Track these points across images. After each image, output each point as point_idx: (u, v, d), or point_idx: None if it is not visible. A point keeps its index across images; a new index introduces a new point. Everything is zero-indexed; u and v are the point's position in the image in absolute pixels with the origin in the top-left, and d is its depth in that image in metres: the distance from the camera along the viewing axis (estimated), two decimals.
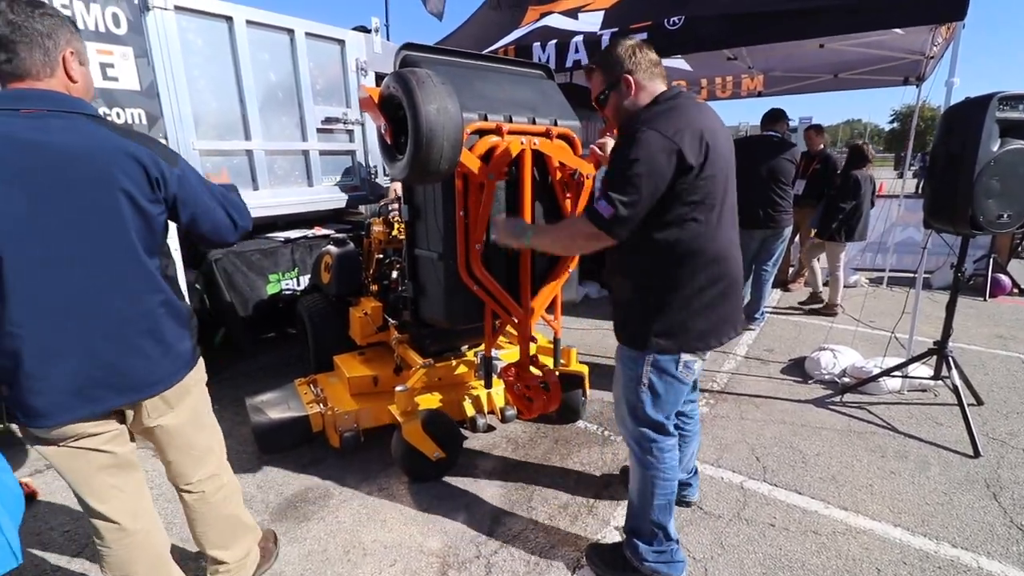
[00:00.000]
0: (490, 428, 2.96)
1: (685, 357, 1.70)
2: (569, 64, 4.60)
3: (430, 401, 2.72)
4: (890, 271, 6.01)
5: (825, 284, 5.19)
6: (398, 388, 2.44)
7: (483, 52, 4.16)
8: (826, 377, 3.56)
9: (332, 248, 3.43)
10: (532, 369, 2.56)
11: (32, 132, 1.21)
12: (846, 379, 3.48)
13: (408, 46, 2.17)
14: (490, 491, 2.45)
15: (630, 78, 1.62)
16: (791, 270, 6.13)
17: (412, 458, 2.43)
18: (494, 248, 2.32)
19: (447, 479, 2.54)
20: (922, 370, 3.27)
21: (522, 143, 2.18)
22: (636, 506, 1.88)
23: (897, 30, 4.06)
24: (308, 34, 3.88)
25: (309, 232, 4.16)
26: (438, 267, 2.28)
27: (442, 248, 2.23)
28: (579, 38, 4.48)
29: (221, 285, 3.58)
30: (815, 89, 6.37)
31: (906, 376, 3.25)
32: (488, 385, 2.54)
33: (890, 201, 6.75)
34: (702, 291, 1.63)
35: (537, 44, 4.77)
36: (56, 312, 1.27)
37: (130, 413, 1.47)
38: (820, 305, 5.16)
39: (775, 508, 2.31)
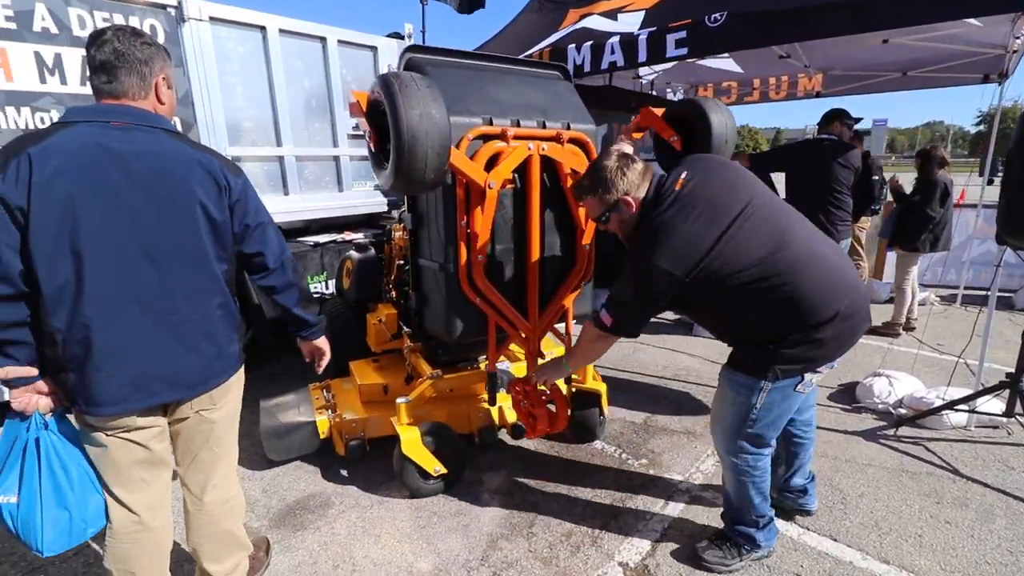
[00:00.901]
0: (499, 443, 2.85)
1: (807, 377, 1.69)
2: (604, 66, 4.45)
3: (436, 413, 2.66)
4: (965, 288, 5.42)
5: (889, 300, 4.74)
6: (399, 399, 2.38)
7: (517, 56, 4.08)
8: (879, 407, 3.21)
9: (353, 253, 3.44)
10: (540, 386, 2.44)
11: (120, 143, 1.35)
12: (902, 410, 3.12)
13: (413, 48, 2.12)
14: (491, 512, 2.34)
15: (628, 198, 1.71)
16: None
17: (411, 472, 2.36)
18: (500, 259, 2.22)
19: (449, 496, 2.45)
20: (993, 404, 2.88)
21: (529, 148, 2.08)
22: (735, 504, 1.96)
23: (973, 21, 3.64)
24: (341, 41, 3.93)
25: (338, 236, 4.21)
26: (439, 278, 2.20)
27: (443, 258, 2.15)
28: (615, 39, 4.32)
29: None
30: (881, 89, 5.86)
31: (973, 411, 2.87)
32: (492, 402, 2.44)
33: (967, 210, 6.10)
34: (821, 326, 1.60)
35: (572, 46, 4.65)
36: (129, 310, 1.37)
37: (176, 407, 1.54)
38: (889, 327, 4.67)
39: (803, 555, 2.07)
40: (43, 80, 2.76)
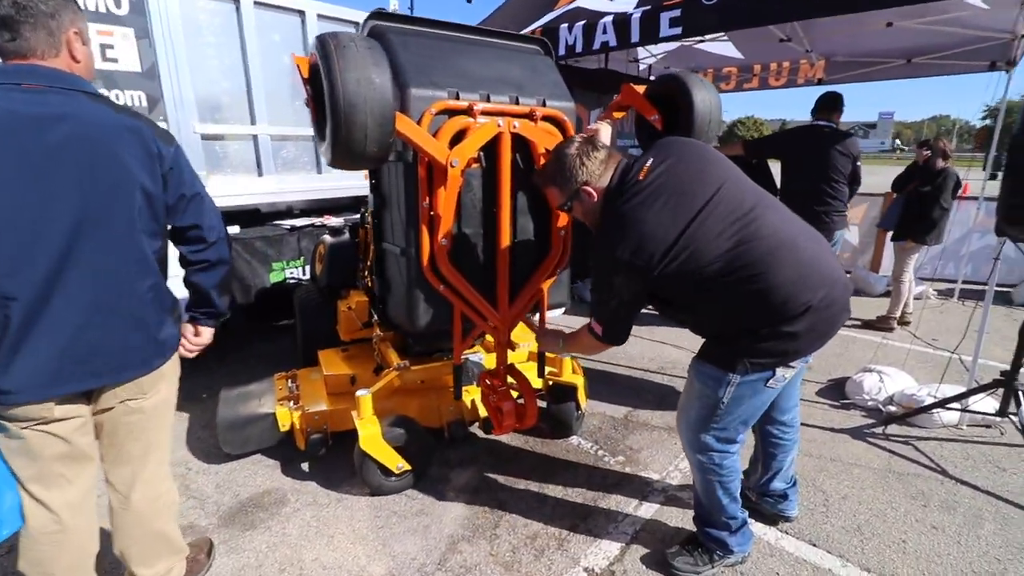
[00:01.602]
0: (471, 438, 2.74)
1: (779, 371, 1.57)
2: (596, 46, 4.28)
3: (404, 406, 2.54)
4: (963, 282, 5.29)
5: (885, 293, 4.61)
6: (359, 392, 2.25)
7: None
8: (868, 404, 3.10)
9: (327, 238, 3.30)
10: (510, 379, 2.31)
11: (33, 107, 1.23)
12: (892, 407, 3.01)
13: (376, 14, 1.96)
14: (455, 511, 2.23)
15: (588, 187, 1.64)
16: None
17: (371, 469, 2.24)
18: (467, 244, 2.08)
19: (412, 493, 2.34)
20: (986, 403, 2.76)
21: (499, 125, 1.93)
22: (705, 505, 1.86)
23: (979, 3, 3.47)
24: (321, 16, 3.77)
25: (316, 220, 4.07)
26: (401, 263, 2.07)
27: (405, 242, 2.01)
28: (608, 19, 4.15)
29: None
30: (884, 76, 5.67)
31: (965, 409, 2.76)
32: (457, 395, 2.31)
33: (967, 203, 5.95)
34: (793, 319, 1.48)
35: (564, 26, 4.47)
36: (47, 287, 1.26)
37: (100, 395, 1.43)
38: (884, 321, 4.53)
39: (780, 561, 1.96)
40: None
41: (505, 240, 2.09)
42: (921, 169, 4.47)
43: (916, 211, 4.25)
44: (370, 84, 1.34)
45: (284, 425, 2.52)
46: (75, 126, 1.26)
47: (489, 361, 2.77)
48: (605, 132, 1.99)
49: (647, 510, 2.25)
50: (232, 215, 3.80)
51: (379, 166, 1.56)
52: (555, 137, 2.08)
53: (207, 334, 1.66)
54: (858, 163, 3.77)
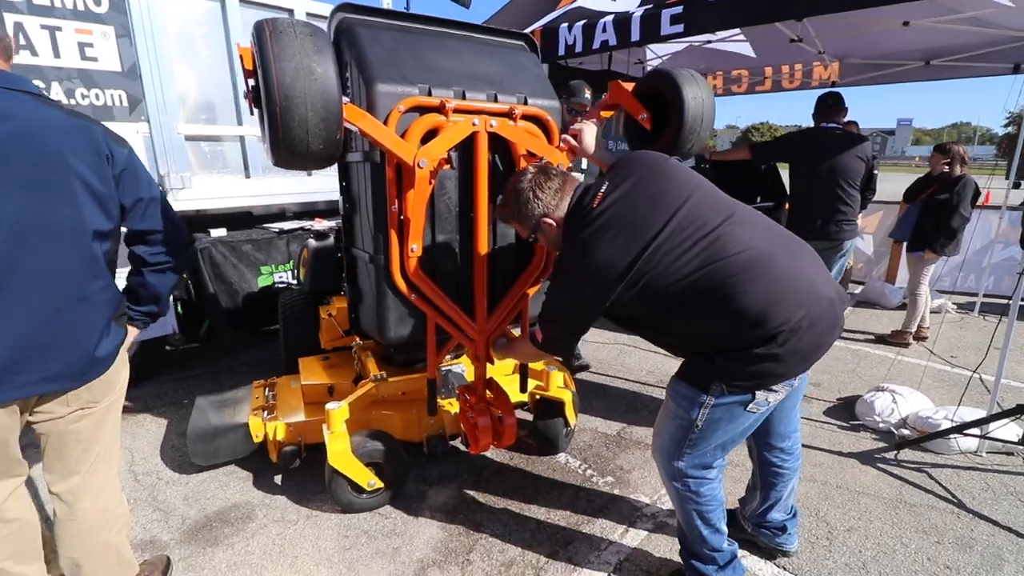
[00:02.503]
0: (454, 453, 2.60)
1: (760, 395, 1.43)
2: (596, 45, 4.16)
3: (381, 419, 2.42)
4: (985, 296, 5.04)
5: (901, 306, 4.39)
6: (328, 405, 2.13)
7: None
8: (880, 426, 2.90)
9: (312, 242, 3.20)
10: (489, 394, 2.18)
11: None
12: (905, 431, 2.81)
13: (344, 6, 1.85)
14: (428, 533, 2.10)
15: (547, 220, 1.59)
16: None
17: (341, 486, 2.12)
18: (441, 251, 1.96)
19: (385, 511, 2.21)
20: (1009, 429, 2.56)
21: (474, 124, 1.80)
22: (688, 536, 1.73)
23: (1005, 0, 3.26)
24: (310, 14, 3.68)
25: (306, 224, 3.98)
26: (369, 270, 1.95)
27: (373, 248, 1.90)
28: (608, 18, 4.02)
29: (205, 275, 3.46)
30: (902, 79, 5.44)
31: (985, 436, 2.55)
32: (431, 411, 2.18)
33: (989, 213, 5.68)
34: (769, 341, 1.34)
35: (564, 26, 4.35)
36: None
37: (45, 402, 1.38)
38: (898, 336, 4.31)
39: None
40: None
41: (482, 247, 1.96)
42: (937, 177, 4.24)
43: (933, 220, 4.03)
44: (309, 74, 1.22)
45: (257, 436, 2.40)
46: (19, 126, 1.23)
47: (472, 374, 2.64)
48: (589, 133, 1.86)
49: (633, 538, 2.10)
50: (221, 218, 3.74)
51: (327, 166, 1.44)
52: (536, 137, 1.95)
53: (135, 335, 1.61)
54: (874, 169, 3.58)
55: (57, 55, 2.75)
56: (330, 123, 1.29)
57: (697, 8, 3.32)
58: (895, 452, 2.68)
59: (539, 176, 1.59)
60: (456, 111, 1.78)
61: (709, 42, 5.39)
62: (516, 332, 2.30)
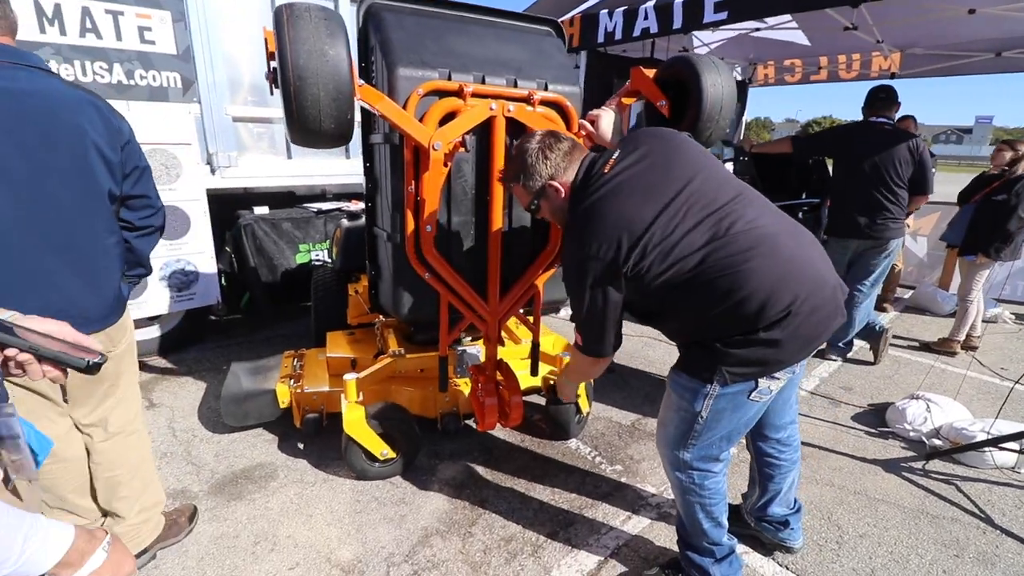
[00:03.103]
0: (466, 431, 2.68)
1: (762, 383, 1.42)
2: (637, 32, 4.09)
3: (398, 394, 2.51)
4: None
5: (952, 313, 4.14)
6: (346, 376, 2.24)
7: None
8: (910, 434, 2.78)
9: (344, 222, 3.33)
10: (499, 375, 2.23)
11: (6, 81, 1.32)
12: (937, 441, 2.68)
13: None
14: (434, 504, 2.18)
15: (554, 183, 1.53)
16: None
17: (356, 453, 2.23)
18: (456, 232, 2.02)
19: (396, 480, 2.31)
20: None
21: (492, 109, 1.84)
22: (687, 527, 1.72)
23: None
24: (354, 0, 3.78)
25: (343, 204, 4.13)
26: (388, 248, 2.03)
27: (391, 227, 1.97)
28: (649, 4, 3.94)
29: (247, 249, 3.66)
30: (970, 71, 5.08)
31: (1023, 451, 2.41)
32: (442, 387, 2.25)
33: None
34: (772, 325, 1.33)
35: (604, 12, 4.30)
36: (29, 245, 1.36)
37: None
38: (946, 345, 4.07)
39: None
40: (42, 30, 2.77)
41: (497, 229, 2.00)
42: (997, 176, 3.95)
43: (988, 222, 3.77)
44: (322, 56, 1.29)
45: (283, 402, 2.56)
46: (43, 100, 1.37)
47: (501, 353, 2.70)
48: (607, 119, 1.86)
49: (635, 525, 2.12)
50: (266, 196, 3.94)
51: (340, 145, 1.51)
52: (554, 123, 1.97)
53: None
54: (927, 168, 3.37)
55: (119, 38, 2.95)
56: (341, 103, 1.35)
57: None
58: (924, 462, 2.57)
59: (548, 137, 1.54)
60: (474, 95, 1.82)
61: (758, 29, 5.18)
62: (530, 317, 2.34)
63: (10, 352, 0.80)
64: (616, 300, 1.45)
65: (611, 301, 1.44)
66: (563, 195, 1.53)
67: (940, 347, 4.04)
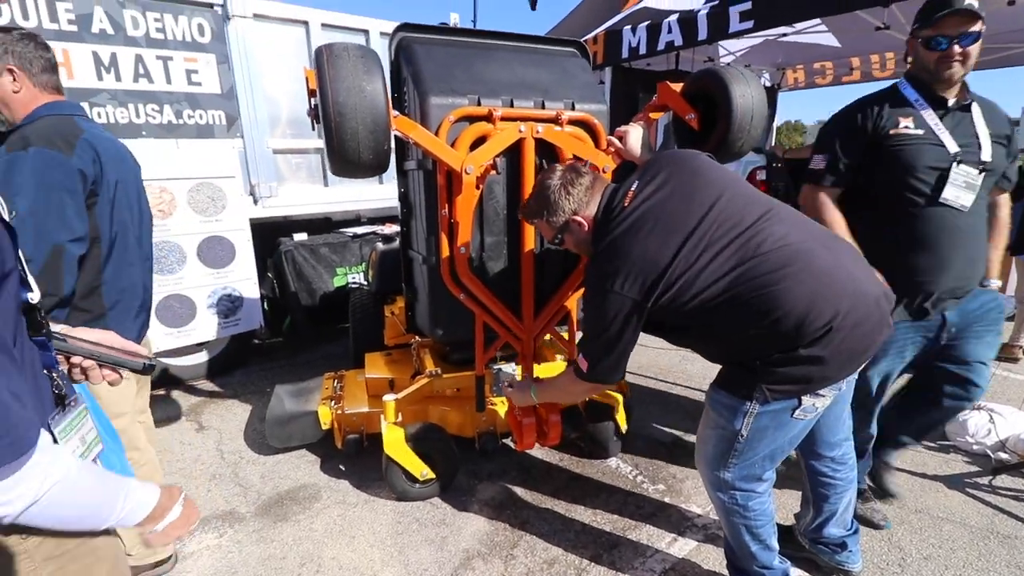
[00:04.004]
0: (504, 451, 2.67)
1: (806, 401, 1.37)
2: (661, 46, 4.10)
3: (436, 414, 2.54)
4: None
5: (1012, 317, 3.91)
6: (385, 397, 2.27)
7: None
8: (974, 448, 2.62)
9: (379, 245, 3.42)
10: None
11: (114, 141, 1.69)
12: (1003, 455, 2.52)
13: (404, 26, 1.99)
14: (475, 526, 2.18)
15: (577, 218, 1.55)
16: None
17: (396, 474, 2.26)
18: (490, 253, 2.04)
19: (436, 501, 2.32)
20: None
21: (520, 131, 1.87)
22: (735, 550, 1.69)
23: None
24: (383, 33, 3.93)
25: (378, 228, 4.24)
26: (423, 271, 2.07)
27: (426, 250, 2.02)
28: (673, 18, 3.95)
29: (288, 275, 3.79)
30: (1011, 63, 4.86)
31: None
32: (479, 407, 2.26)
33: None
34: (813, 342, 1.29)
35: (628, 28, 4.33)
36: (141, 269, 1.76)
37: None
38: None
39: None
40: (100, 78, 2.99)
41: (530, 249, 2.02)
42: None
43: None
44: (360, 92, 1.35)
45: (325, 423, 2.62)
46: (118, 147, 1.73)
47: (542, 371, 2.70)
48: (635, 135, 1.86)
49: (681, 547, 2.06)
50: (304, 223, 4.09)
51: (378, 174, 1.56)
52: (583, 142, 1.99)
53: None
54: (1020, 164, 3.23)
55: (169, 81, 3.15)
56: (378, 135, 1.41)
57: (765, 3, 3.18)
58: (990, 477, 2.41)
59: (569, 173, 1.56)
60: (503, 119, 1.86)
61: (785, 34, 5.11)
62: (564, 334, 2.33)
63: (75, 360, 0.90)
64: (633, 333, 1.44)
65: (629, 333, 1.43)
66: (586, 229, 1.54)
67: (1001, 353, 3.81)
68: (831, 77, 6.17)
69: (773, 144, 6.60)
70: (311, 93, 1.48)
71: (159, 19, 3.07)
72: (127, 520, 0.81)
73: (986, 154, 1.70)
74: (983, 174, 1.69)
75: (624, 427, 2.64)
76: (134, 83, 3.07)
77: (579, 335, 1.64)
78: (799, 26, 4.98)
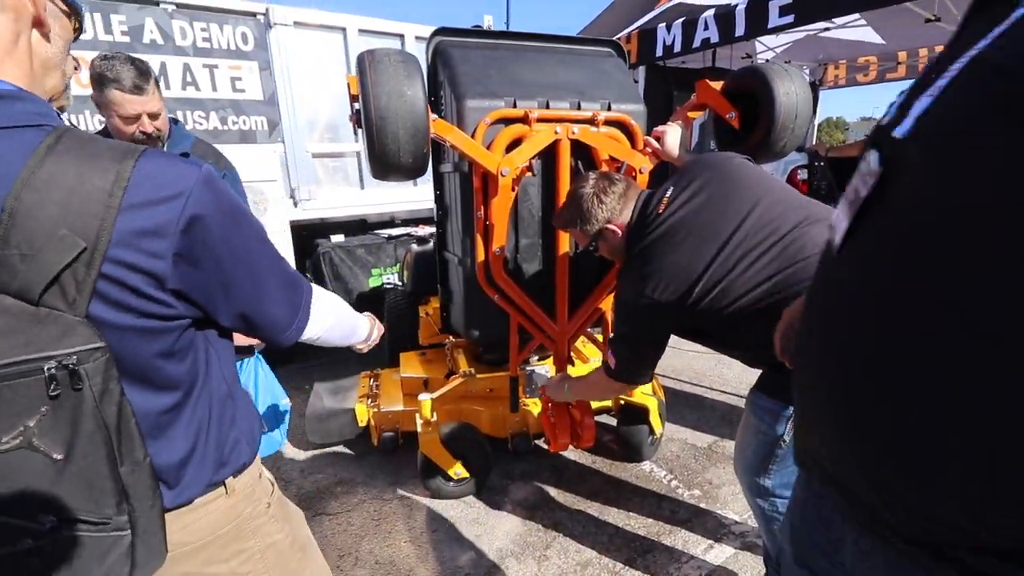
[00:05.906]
0: (537, 451, 2.68)
1: None
2: (697, 44, 4.04)
3: (470, 414, 2.56)
4: None
5: None
6: (420, 396, 2.31)
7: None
8: None
9: (414, 246, 3.47)
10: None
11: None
12: None
13: (440, 31, 2.02)
14: (508, 525, 2.19)
15: (611, 226, 1.55)
16: None
17: (430, 472, 2.29)
18: (524, 254, 2.05)
19: (470, 500, 2.34)
20: None
21: (556, 132, 1.88)
22: (774, 559, 1.59)
23: None
24: (417, 37, 4.00)
25: (412, 230, 4.31)
26: (459, 272, 2.10)
27: (462, 251, 2.04)
28: (709, 13, 3.88)
29: (325, 275, 3.90)
30: None
31: None
32: (513, 408, 2.27)
33: None
34: None
35: (662, 25, 4.28)
36: None
37: None
38: None
39: None
40: None
41: (564, 250, 2.02)
42: None
43: None
44: (400, 97, 1.37)
45: (362, 421, 2.67)
46: None
47: (573, 371, 2.70)
48: (673, 135, 1.84)
49: (718, 555, 2.02)
50: (341, 224, 4.19)
51: (416, 177, 1.59)
52: (619, 142, 1.97)
53: None
54: None
55: (214, 89, 3.28)
56: (418, 138, 1.43)
57: None
58: None
59: (602, 181, 1.56)
60: (539, 120, 1.86)
61: (827, 29, 4.95)
62: (598, 335, 2.32)
63: None
64: (664, 338, 1.46)
65: (659, 338, 1.46)
66: (620, 236, 1.54)
67: None
68: (874, 74, 5.94)
69: (815, 142, 6.40)
70: (353, 98, 1.52)
71: (205, 28, 3.20)
72: (359, 335, 1.11)
73: None
74: None
75: (659, 431, 2.61)
76: (182, 91, 3.21)
77: (612, 335, 1.63)
78: (839, 21, 4.83)
